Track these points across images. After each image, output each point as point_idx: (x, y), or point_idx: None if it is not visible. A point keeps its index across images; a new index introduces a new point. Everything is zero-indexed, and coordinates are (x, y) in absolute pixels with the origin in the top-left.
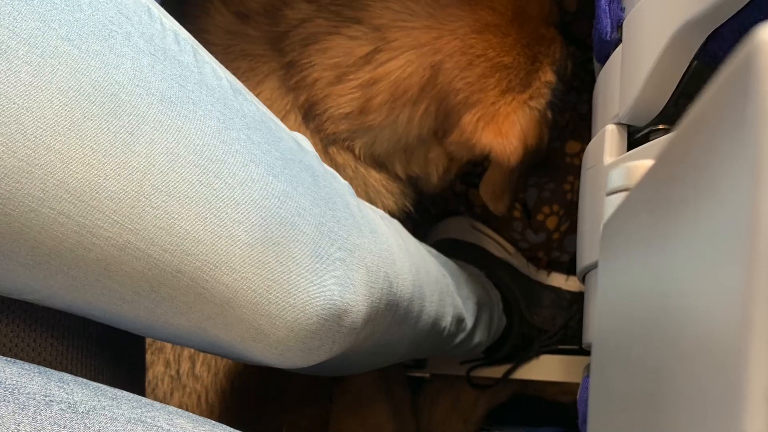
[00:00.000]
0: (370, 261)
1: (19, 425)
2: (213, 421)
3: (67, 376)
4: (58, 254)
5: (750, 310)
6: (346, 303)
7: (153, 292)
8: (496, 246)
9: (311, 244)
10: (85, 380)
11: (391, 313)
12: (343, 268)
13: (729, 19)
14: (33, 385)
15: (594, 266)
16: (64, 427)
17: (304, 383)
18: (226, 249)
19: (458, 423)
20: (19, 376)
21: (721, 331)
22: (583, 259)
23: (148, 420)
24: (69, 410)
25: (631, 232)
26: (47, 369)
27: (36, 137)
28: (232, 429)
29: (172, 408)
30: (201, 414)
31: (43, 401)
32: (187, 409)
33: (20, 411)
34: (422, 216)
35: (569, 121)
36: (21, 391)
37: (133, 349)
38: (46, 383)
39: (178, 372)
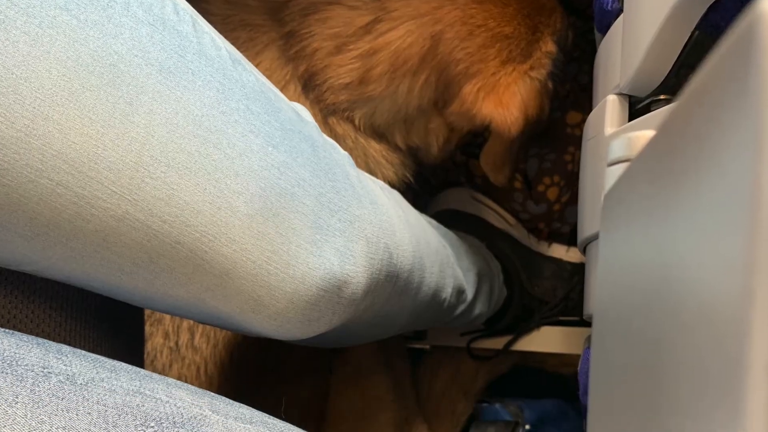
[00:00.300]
0: (370, 232)
1: (17, 397)
2: (212, 393)
3: (65, 348)
4: (56, 225)
5: (751, 281)
6: (346, 274)
7: (152, 263)
8: (497, 217)
9: (311, 215)
10: (83, 352)
11: (391, 284)
12: (343, 239)
13: None
14: (31, 356)
15: (595, 237)
16: (62, 398)
17: (303, 355)
18: (226, 220)
19: (458, 394)
20: (17, 348)
21: (723, 303)
22: (584, 230)
23: (147, 392)
24: (67, 382)
25: (632, 203)
26: (46, 340)
27: (34, 108)
28: (231, 400)
29: (171, 380)
30: (200, 386)
31: (41, 373)
32: (186, 381)
33: (18, 383)
34: (422, 187)
35: (570, 92)
36: (19, 362)
37: (131, 320)
38: (44, 355)
39: (177, 343)
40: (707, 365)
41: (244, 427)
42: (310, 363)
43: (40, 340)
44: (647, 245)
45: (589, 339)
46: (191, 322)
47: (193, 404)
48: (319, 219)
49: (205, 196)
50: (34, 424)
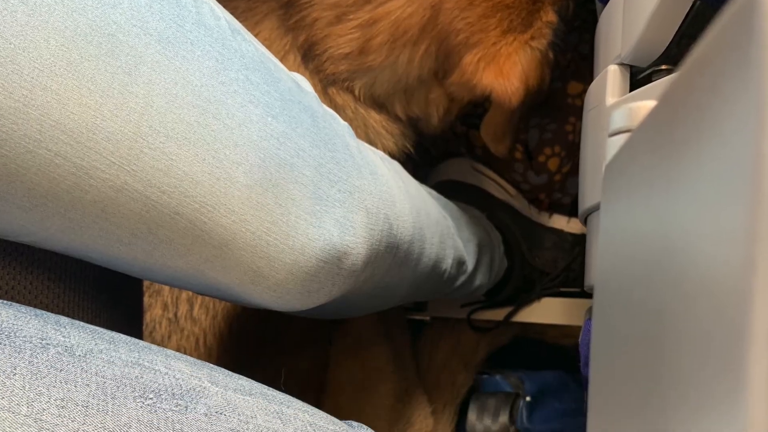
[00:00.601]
0: (369, 203)
1: (15, 369)
2: (211, 364)
3: (64, 319)
4: (54, 196)
5: (753, 251)
6: (346, 245)
7: (151, 234)
8: (497, 188)
9: (310, 185)
10: (82, 323)
11: (391, 255)
12: (343, 210)
13: None
14: (29, 328)
15: (596, 208)
16: (60, 370)
17: (303, 326)
18: (225, 191)
19: (459, 366)
20: (15, 319)
21: (724, 273)
22: (585, 201)
23: (146, 363)
24: (66, 353)
25: (634, 173)
26: (44, 312)
27: (32, 78)
28: (230, 372)
29: (169, 351)
30: (199, 357)
31: (39, 344)
32: (185, 352)
33: (16, 354)
34: (422, 157)
35: (571, 62)
36: (17, 334)
37: (130, 291)
38: (42, 326)
39: (176, 315)
40: (709, 335)
41: (244, 399)
42: (310, 334)
43: (38, 311)
44: (649, 216)
45: (590, 310)
46: (190, 293)
47: (192, 376)
48: (319, 190)
49: (204, 167)
50: (32, 395)
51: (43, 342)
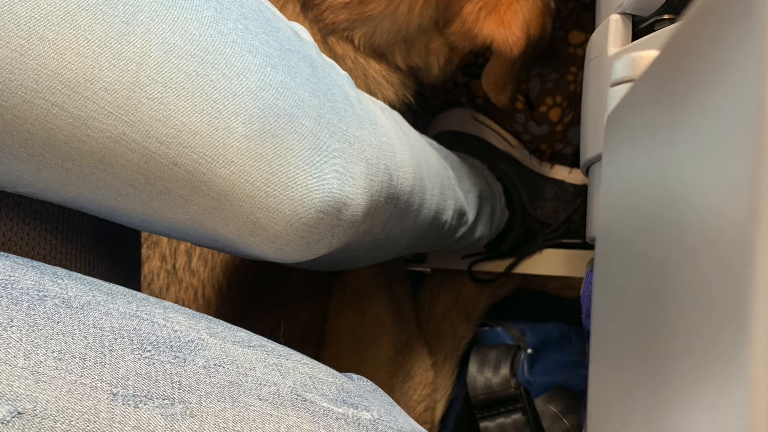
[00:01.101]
0: (369, 153)
1: (12, 320)
2: (209, 316)
3: (61, 271)
4: (52, 146)
5: (756, 201)
6: (346, 196)
7: (149, 185)
8: (499, 138)
9: (310, 136)
10: (79, 275)
11: (391, 206)
12: (343, 161)
13: None
14: (26, 279)
15: (598, 159)
16: (58, 322)
17: (302, 278)
18: (224, 141)
19: (459, 317)
20: (12, 271)
21: (727, 224)
22: (587, 152)
23: (144, 315)
24: (63, 305)
25: (636, 123)
26: (41, 263)
27: (29, 27)
28: (229, 324)
29: (168, 303)
30: (197, 309)
31: (36, 296)
32: (183, 304)
33: (13, 306)
34: (423, 108)
35: (573, 11)
36: (14, 286)
37: (128, 243)
38: (39, 278)
39: (174, 266)
40: (712, 286)
41: (242, 351)
42: (309, 286)
43: (36, 263)
44: (651, 166)
45: (591, 262)
46: (188, 244)
47: (190, 328)
48: (318, 140)
49: (203, 117)
50: (29, 347)
51: (41, 294)
